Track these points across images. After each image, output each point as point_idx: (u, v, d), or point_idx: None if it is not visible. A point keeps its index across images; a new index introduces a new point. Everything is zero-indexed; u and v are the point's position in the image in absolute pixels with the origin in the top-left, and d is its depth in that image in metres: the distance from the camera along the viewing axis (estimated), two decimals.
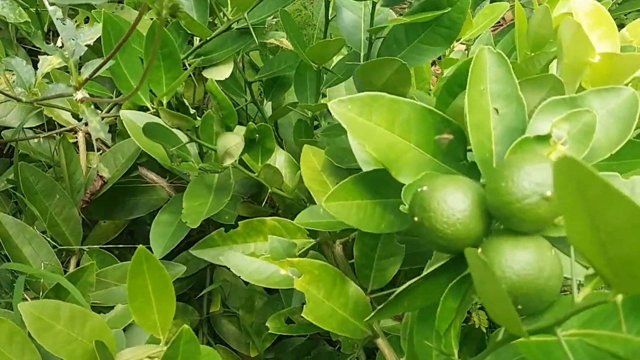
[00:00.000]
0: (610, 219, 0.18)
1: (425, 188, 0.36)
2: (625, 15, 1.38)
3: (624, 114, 0.38)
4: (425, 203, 0.36)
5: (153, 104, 0.55)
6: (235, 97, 0.83)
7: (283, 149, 0.83)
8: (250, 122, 0.62)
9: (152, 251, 0.71)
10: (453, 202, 0.35)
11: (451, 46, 0.73)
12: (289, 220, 0.69)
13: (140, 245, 0.49)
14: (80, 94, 0.47)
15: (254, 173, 0.67)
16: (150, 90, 0.57)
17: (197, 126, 0.57)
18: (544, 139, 0.37)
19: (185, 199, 0.65)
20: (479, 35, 0.76)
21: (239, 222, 0.70)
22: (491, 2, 0.87)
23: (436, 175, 0.39)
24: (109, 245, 0.81)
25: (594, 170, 0.18)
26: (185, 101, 0.55)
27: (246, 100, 0.83)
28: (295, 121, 0.79)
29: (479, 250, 0.35)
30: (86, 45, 0.54)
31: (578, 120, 0.36)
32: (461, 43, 0.74)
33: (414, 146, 0.46)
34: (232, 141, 0.57)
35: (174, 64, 0.54)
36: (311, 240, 0.68)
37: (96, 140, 0.87)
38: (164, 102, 0.55)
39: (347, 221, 0.48)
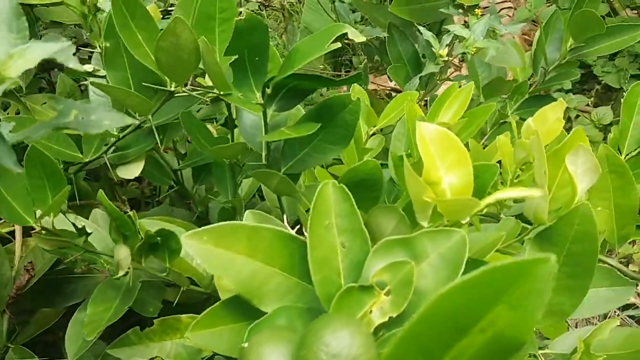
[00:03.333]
0: None
1: (246, 344, 0.36)
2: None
3: (453, 257, 0.37)
4: None
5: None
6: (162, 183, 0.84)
7: None
8: (149, 229, 0.62)
9: None
10: None
11: (367, 135, 0.73)
12: None
13: None
14: None
15: (164, 273, 0.66)
16: None
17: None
18: (368, 288, 0.36)
19: (90, 303, 0.64)
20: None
21: (154, 320, 0.69)
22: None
23: (264, 328, 0.39)
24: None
25: None
26: (69, 217, 0.55)
27: (173, 186, 0.83)
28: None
29: None
30: None
31: (398, 270, 0.36)
32: (374, 133, 0.73)
33: (280, 271, 0.45)
34: (121, 253, 0.57)
35: (58, 182, 0.55)
36: None
37: None
38: (51, 218, 0.55)
39: (217, 350, 0.47)
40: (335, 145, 0.62)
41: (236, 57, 0.52)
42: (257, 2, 1.11)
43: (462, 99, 0.56)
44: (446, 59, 0.76)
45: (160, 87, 0.61)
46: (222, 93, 0.58)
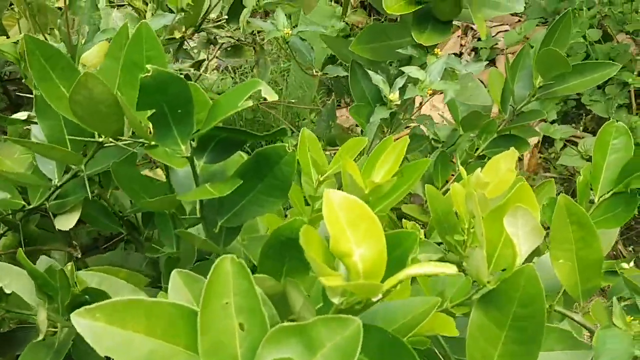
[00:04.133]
0: None
1: None
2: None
3: (347, 349, 0.33)
4: None
5: None
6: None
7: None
8: (75, 288, 0.59)
9: None
10: None
11: (318, 181, 0.69)
12: None
13: None
14: None
15: None
16: None
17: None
18: None
19: None
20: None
21: None
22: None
23: None
24: None
25: None
26: None
27: (122, 233, 0.80)
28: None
29: None
30: None
31: None
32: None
33: (184, 350, 0.42)
34: (40, 316, 0.54)
35: None
36: None
37: None
38: None
39: None
40: (274, 198, 0.59)
41: (153, 111, 0.49)
42: (228, 36, 1.08)
43: (397, 154, 0.53)
44: (398, 102, 0.72)
45: (88, 140, 0.58)
46: (151, 144, 0.55)
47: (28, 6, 0.75)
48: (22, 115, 0.64)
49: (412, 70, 0.72)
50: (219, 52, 1.32)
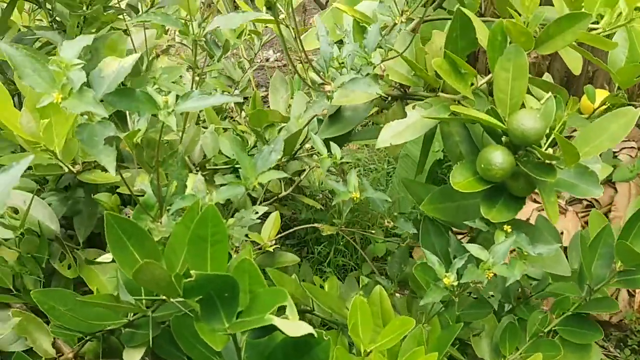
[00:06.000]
0: None
1: None
2: None
3: None
4: None
5: None
6: None
7: None
8: None
9: None
10: None
11: (365, 353, 0.71)
12: None
13: None
14: None
15: None
16: None
17: None
18: None
19: None
20: None
21: None
22: None
23: None
24: None
25: None
26: None
27: None
28: None
29: None
30: None
31: None
32: None
33: None
34: None
35: None
36: None
37: None
38: None
39: None
40: None
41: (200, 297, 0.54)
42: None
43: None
44: (456, 283, 0.71)
45: (152, 298, 0.65)
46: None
47: (136, 146, 0.85)
48: (107, 257, 0.73)
49: (474, 249, 0.71)
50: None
